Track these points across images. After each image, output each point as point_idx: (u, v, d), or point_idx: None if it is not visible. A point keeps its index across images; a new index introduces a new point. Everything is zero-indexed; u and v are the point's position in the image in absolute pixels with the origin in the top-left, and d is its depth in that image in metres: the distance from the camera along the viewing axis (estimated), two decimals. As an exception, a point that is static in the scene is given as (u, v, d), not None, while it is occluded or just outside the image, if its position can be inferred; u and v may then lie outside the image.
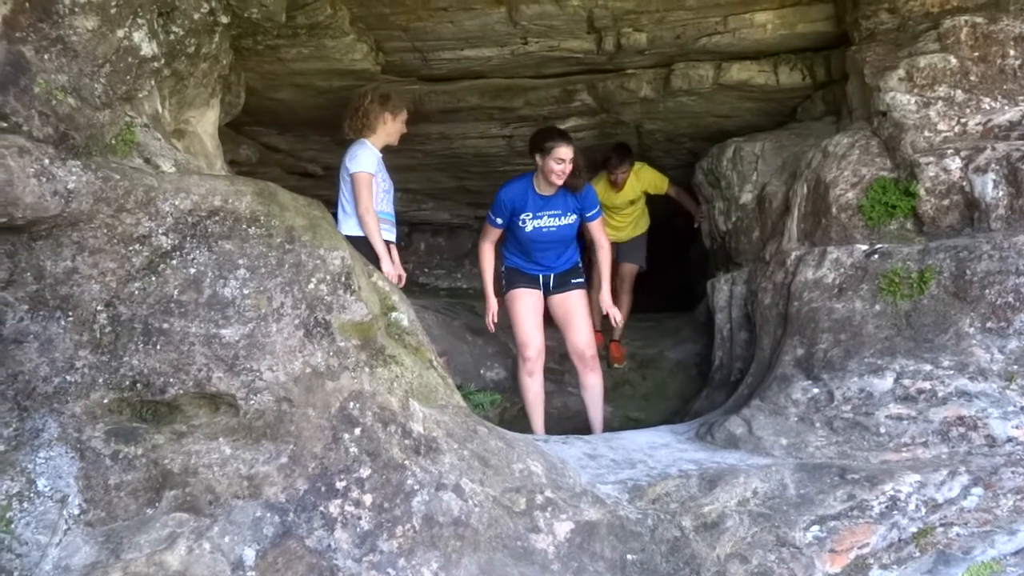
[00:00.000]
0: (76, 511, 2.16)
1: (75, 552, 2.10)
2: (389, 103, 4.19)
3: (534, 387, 4.23)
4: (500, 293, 4.33)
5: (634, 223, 5.85)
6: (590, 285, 4.63)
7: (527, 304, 4.23)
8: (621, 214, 5.72)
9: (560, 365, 6.33)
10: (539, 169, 4.05)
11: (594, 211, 4.25)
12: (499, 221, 4.21)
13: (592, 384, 4.29)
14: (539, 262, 4.28)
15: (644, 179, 5.63)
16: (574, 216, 4.18)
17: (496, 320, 4.31)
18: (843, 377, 3.20)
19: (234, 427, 2.27)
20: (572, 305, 4.27)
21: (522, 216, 4.14)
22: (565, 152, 3.95)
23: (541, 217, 4.15)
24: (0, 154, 2.07)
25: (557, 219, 4.16)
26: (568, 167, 3.98)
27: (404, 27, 4.13)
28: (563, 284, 4.29)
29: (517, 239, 4.24)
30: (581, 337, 4.25)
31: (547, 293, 4.29)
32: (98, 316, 2.30)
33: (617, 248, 5.70)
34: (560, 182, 4.01)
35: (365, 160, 4.04)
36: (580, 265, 4.34)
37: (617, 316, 4.32)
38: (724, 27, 4.26)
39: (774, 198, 4.43)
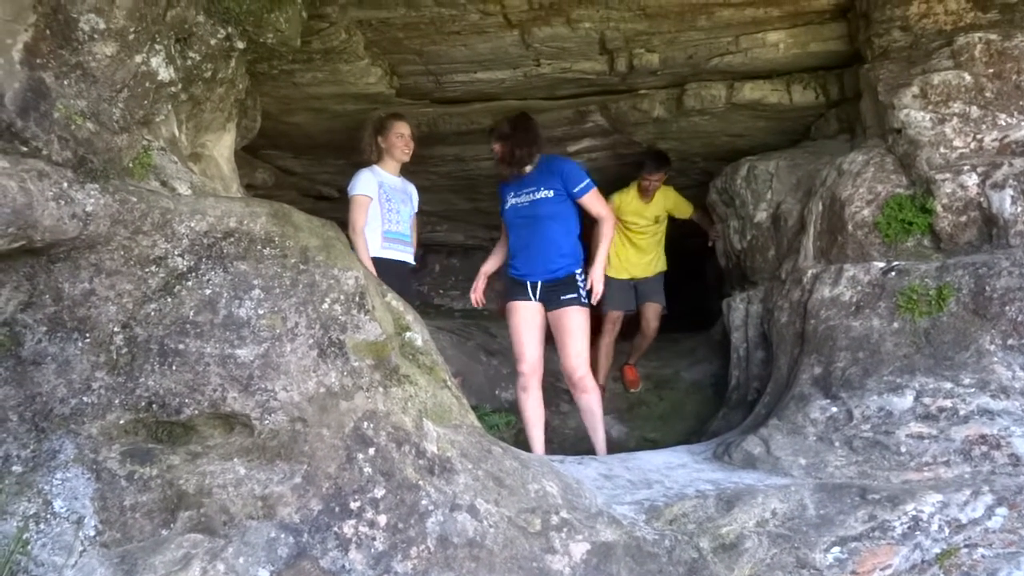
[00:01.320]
0: (92, 532, 2.17)
1: (91, 574, 2.10)
2: (383, 127, 4.27)
3: (530, 403, 4.08)
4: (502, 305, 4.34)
5: (654, 254, 5.63)
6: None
7: (522, 317, 4.12)
8: (642, 232, 5.51)
9: (575, 386, 6.29)
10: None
11: (582, 185, 4.10)
12: (501, 209, 4.31)
13: (585, 405, 4.14)
14: (523, 262, 4.14)
15: (670, 198, 5.56)
16: (550, 192, 4.06)
17: (483, 299, 4.40)
18: (862, 395, 3.16)
19: (248, 447, 2.27)
20: (564, 324, 4.07)
21: (506, 197, 4.22)
22: (493, 144, 4.22)
23: (520, 195, 4.15)
24: (20, 178, 2.10)
25: (530, 195, 4.10)
26: (499, 155, 4.17)
27: (418, 51, 4.18)
28: (554, 299, 4.08)
29: (509, 229, 4.27)
30: (569, 359, 4.07)
31: (546, 307, 4.13)
32: (115, 337, 2.32)
33: (636, 288, 5.59)
34: (502, 169, 4.20)
35: (362, 184, 4.13)
36: (577, 278, 4.09)
37: (599, 288, 4.09)
38: (736, 47, 4.28)
39: (789, 216, 4.41)
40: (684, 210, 5.65)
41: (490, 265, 4.46)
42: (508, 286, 4.24)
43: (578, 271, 4.11)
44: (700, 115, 4.83)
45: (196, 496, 2.20)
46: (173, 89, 2.73)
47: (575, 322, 4.06)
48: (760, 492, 2.80)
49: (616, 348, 5.65)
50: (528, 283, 4.13)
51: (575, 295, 4.07)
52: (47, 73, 2.28)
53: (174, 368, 2.29)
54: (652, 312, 5.61)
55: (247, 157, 5.07)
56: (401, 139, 4.26)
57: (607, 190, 5.09)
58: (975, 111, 3.64)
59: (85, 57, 2.37)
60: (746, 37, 4.22)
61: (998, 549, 2.50)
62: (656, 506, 2.78)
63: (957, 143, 3.61)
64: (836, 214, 3.83)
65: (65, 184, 2.23)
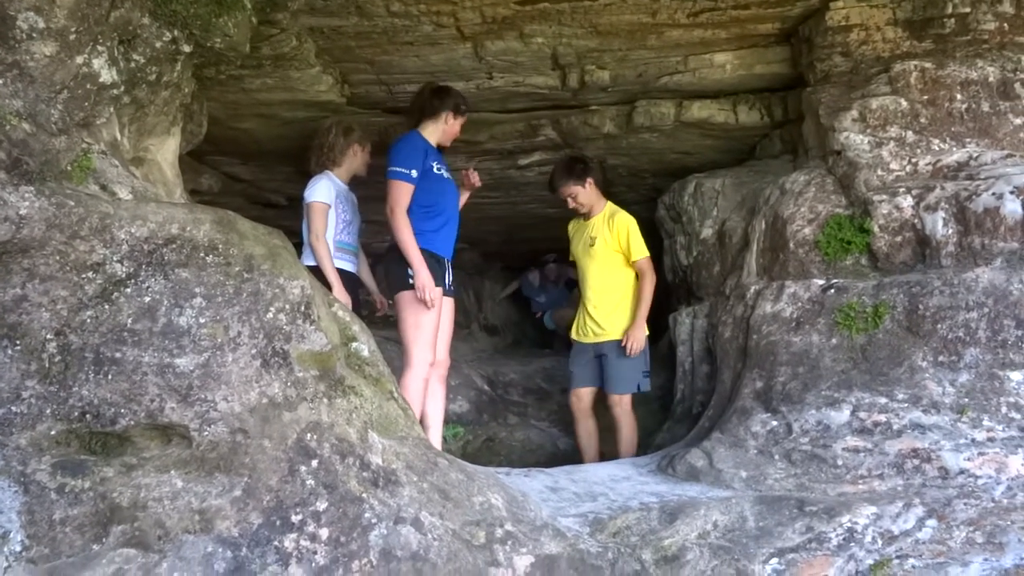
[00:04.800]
0: (18, 548, 2.08)
1: (15, 591, 2.02)
2: (354, 134, 4.23)
3: (424, 390, 3.76)
4: (401, 283, 3.71)
5: (612, 301, 4.37)
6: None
7: (439, 309, 3.75)
8: (589, 262, 4.40)
9: (523, 398, 6.30)
10: (441, 126, 3.87)
11: None
12: (414, 174, 3.66)
13: (442, 395, 3.98)
14: (446, 239, 3.85)
15: (618, 228, 4.32)
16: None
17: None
18: (801, 410, 3.24)
19: (186, 459, 2.21)
20: (451, 312, 4.00)
21: (435, 165, 3.81)
22: (461, 113, 3.95)
23: (443, 168, 3.90)
24: (-50, 178, 2.02)
25: (447, 172, 3.94)
26: (458, 128, 3.99)
27: (370, 60, 4.17)
28: (453, 284, 3.95)
29: (432, 198, 3.79)
30: (447, 345, 3.99)
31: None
32: (47, 345, 2.24)
33: (601, 356, 4.40)
34: (448, 140, 3.98)
35: (321, 191, 4.07)
36: None
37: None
38: (685, 67, 4.37)
39: (734, 233, 4.51)
40: (634, 245, 4.33)
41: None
42: (428, 266, 3.71)
43: None
44: (649, 132, 4.91)
45: (130, 510, 2.13)
46: (116, 91, 2.67)
47: (453, 310, 4.05)
48: (702, 504, 2.84)
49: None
50: (447, 262, 3.88)
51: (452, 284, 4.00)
52: (-19, 71, 2.21)
53: (110, 377, 2.22)
54: (614, 400, 4.42)
55: (192, 162, 4.97)
56: (370, 157, 4.29)
57: (558, 205, 5.12)
58: (911, 136, 3.78)
59: (22, 56, 2.30)
60: (694, 57, 4.31)
61: (928, 560, 2.58)
62: (600, 518, 2.80)
63: (893, 166, 3.75)
64: (778, 232, 3.93)
65: (-2, 186, 2.15)
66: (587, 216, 4.46)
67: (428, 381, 3.79)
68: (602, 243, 4.37)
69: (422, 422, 3.83)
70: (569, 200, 4.39)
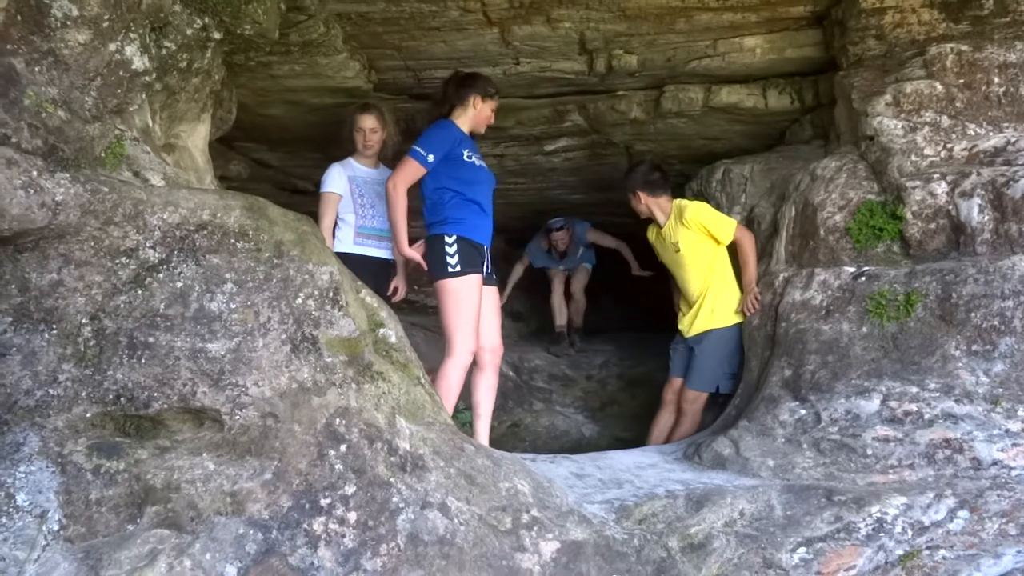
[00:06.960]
0: (56, 526, 2.13)
1: (53, 568, 2.06)
2: (348, 120, 4.24)
3: (462, 378, 3.75)
4: (440, 271, 3.72)
5: (699, 300, 4.38)
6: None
7: (479, 295, 3.76)
8: (686, 270, 4.42)
9: (548, 384, 6.32)
10: (470, 112, 3.87)
11: None
12: (430, 159, 3.69)
13: (493, 384, 3.94)
14: (486, 227, 3.82)
15: (692, 221, 4.27)
16: None
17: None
18: (830, 398, 3.21)
19: (218, 442, 2.25)
20: (494, 299, 3.97)
21: (466, 153, 3.79)
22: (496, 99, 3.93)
23: (475, 156, 3.84)
24: (-12, 165, 2.06)
25: (481, 159, 3.91)
26: (492, 114, 3.95)
27: (397, 46, 4.16)
28: (490, 272, 3.89)
29: (463, 186, 3.76)
30: (498, 334, 3.96)
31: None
32: (83, 329, 2.28)
33: (690, 351, 4.47)
34: (483, 128, 3.95)
35: (328, 180, 4.14)
36: None
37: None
38: (714, 51, 4.31)
39: (763, 220, 4.46)
40: (715, 229, 4.26)
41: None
42: (466, 252, 3.73)
43: None
44: (677, 117, 4.87)
45: (163, 491, 2.17)
46: (147, 79, 2.69)
47: (497, 298, 4.04)
48: (729, 493, 2.83)
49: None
50: (484, 250, 3.84)
51: (493, 272, 3.97)
52: (17, 59, 2.24)
53: (143, 361, 2.26)
54: (688, 396, 4.41)
55: (222, 149, 5.02)
56: (360, 134, 4.21)
57: (584, 190, 5.10)
58: (946, 120, 3.70)
59: (57, 44, 2.33)
60: (724, 41, 4.25)
61: (959, 551, 2.55)
62: (626, 505, 2.80)
63: (928, 151, 3.67)
64: (808, 219, 3.88)
65: (34, 172, 2.19)
66: (660, 224, 4.52)
67: (468, 368, 3.76)
68: (686, 245, 4.35)
69: (465, 411, 3.87)
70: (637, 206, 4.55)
